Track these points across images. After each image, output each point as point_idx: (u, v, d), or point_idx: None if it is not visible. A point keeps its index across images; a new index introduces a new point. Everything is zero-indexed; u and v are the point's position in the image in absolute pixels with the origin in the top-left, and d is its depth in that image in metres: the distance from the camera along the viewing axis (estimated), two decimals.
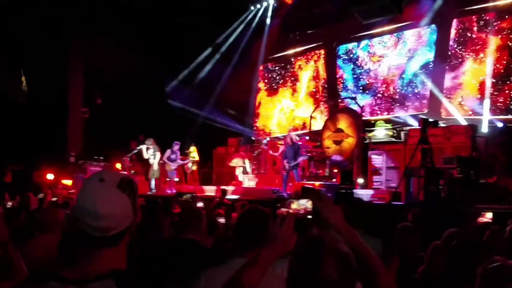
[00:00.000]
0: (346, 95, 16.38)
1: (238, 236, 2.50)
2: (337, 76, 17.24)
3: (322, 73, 17.88)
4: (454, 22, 14.11)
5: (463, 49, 13.84)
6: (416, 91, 14.86)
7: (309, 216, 1.70)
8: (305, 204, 1.71)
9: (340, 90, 17.06)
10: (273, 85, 19.66)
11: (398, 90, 15.36)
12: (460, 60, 13.84)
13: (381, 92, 15.82)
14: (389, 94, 15.59)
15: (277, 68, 19.56)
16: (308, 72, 18.39)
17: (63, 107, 16.73)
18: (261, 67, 19.79)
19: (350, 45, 17.03)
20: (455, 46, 14.05)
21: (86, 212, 1.44)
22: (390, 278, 1.58)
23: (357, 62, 16.72)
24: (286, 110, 18.93)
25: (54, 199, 8.63)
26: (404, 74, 15.24)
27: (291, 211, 1.72)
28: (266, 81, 19.99)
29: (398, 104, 15.27)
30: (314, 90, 18.10)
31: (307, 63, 18.46)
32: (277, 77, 19.55)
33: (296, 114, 18.46)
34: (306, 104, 18.14)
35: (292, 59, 18.95)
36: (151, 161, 13.74)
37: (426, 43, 14.89)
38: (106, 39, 15.32)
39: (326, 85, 17.65)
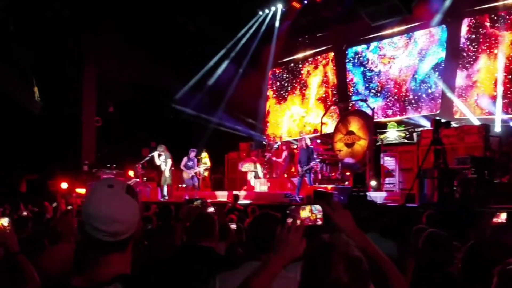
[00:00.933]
0: (357, 98, 16.33)
1: (251, 241, 2.51)
2: (347, 80, 17.17)
3: (332, 78, 17.82)
4: (465, 21, 14.00)
5: (476, 46, 13.69)
6: (429, 91, 14.71)
7: (319, 222, 1.69)
8: (316, 211, 1.70)
9: (350, 94, 17.00)
10: (282, 92, 19.64)
11: (411, 91, 15.22)
12: (473, 57, 13.69)
13: (394, 94, 15.69)
14: (402, 96, 15.45)
15: (285, 75, 19.55)
16: (317, 77, 18.33)
17: (77, 116, 16.88)
18: (269, 74, 19.78)
19: (359, 48, 16.96)
20: (468, 43, 13.91)
21: (99, 217, 1.45)
22: (403, 281, 1.57)
23: (367, 65, 16.63)
24: (296, 117, 18.86)
25: (69, 207, 8.71)
26: (417, 74, 15.11)
27: (298, 221, 1.70)
28: (274, 88, 19.97)
29: (411, 106, 15.13)
30: (324, 95, 18.03)
31: (316, 69, 18.41)
32: (286, 84, 19.52)
33: (307, 121, 18.39)
34: (316, 110, 18.05)
35: (300, 65, 18.92)
36: (162, 167, 13.79)
37: (438, 41, 14.73)
38: (117, 48, 15.45)
39: (336, 90, 17.57)
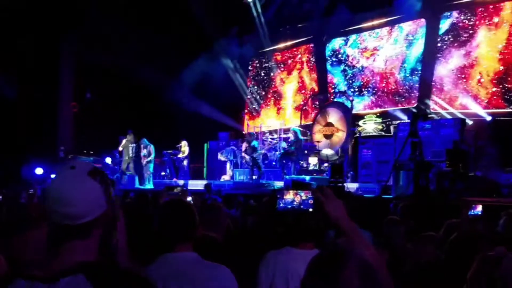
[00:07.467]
0: (340, 100, 15.51)
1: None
2: (327, 81, 16.62)
3: (309, 82, 17.31)
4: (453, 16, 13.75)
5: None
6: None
7: (310, 209, 1.68)
8: (301, 194, 1.70)
9: (332, 96, 16.31)
10: (255, 107, 18.93)
11: (400, 83, 14.51)
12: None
13: (381, 88, 14.96)
14: (391, 89, 14.75)
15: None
16: (292, 84, 17.76)
17: (53, 101, 16.57)
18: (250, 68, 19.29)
19: (336, 45, 16.38)
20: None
21: (56, 199, 1.40)
22: (388, 274, 1.53)
23: (347, 61, 15.98)
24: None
25: None
26: (405, 63, 14.42)
27: (281, 203, 1.70)
28: (246, 103, 19.07)
29: (402, 98, 14.44)
30: (302, 102, 17.28)
31: (289, 75, 17.83)
32: (258, 97, 18.84)
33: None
34: (294, 120, 17.10)
35: (272, 74, 18.39)
36: (130, 154, 13.92)
37: (424, 24, 14.10)
38: (97, 35, 15.16)
39: (313, 95, 17.06)
